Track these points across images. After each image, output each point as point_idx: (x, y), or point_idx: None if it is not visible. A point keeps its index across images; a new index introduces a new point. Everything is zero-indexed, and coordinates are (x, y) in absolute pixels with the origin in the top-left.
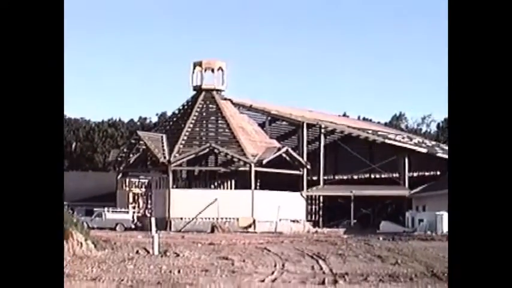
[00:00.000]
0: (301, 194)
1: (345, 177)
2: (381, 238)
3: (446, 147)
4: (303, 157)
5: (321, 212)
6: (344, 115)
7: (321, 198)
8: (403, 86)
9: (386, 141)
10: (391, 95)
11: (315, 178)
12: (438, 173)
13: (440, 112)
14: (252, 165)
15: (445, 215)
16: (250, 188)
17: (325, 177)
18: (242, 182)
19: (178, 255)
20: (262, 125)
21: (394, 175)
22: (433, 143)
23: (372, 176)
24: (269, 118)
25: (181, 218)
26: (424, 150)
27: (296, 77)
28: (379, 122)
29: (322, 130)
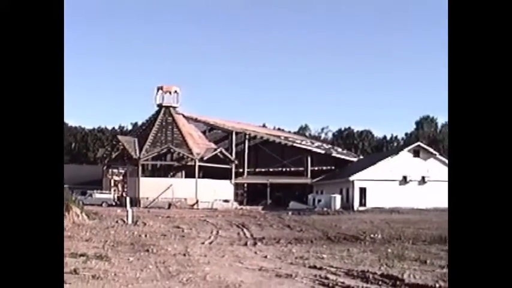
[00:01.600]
0: (231, 182)
1: (263, 170)
2: (289, 213)
3: (339, 149)
4: (232, 155)
5: (245, 195)
6: (263, 125)
7: (245, 185)
8: (308, 103)
9: (295, 144)
10: (298, 110)
11: (241, 170)
12: (333, 167)
13: (336, 124)
14: (196, 161)
15: (338, 197)
16: (195, 177)
17: (249, 170)
18: (189, 173)
19: (145, 224)
20: (204, 132)
21: (300, 169)
22: (329, 146)
23: (284, 169)
24: (209, 127)
25: (147, 198)
26: (323, 151)
27: (229, 95)
28: (289, 131)
29: (247, 136)
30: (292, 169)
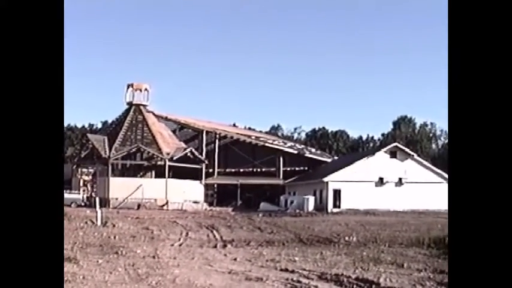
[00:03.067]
0: (201, 182)
1: (233, 170)
2: (260, 215)
3: (313, 150)
4: (202, 155)
5: (215, 196)
6: (234, 125)
7: (215, 185)
8: (280, 102)
9: (266, 144)
10: (270, 109)
11: (211, 170)
12: (306, 168)
13: (309, 124)
14: (166, 160)
15: (311, 198)
16: (164, 177)
17: (219, 170)
18: (159, 172)
19: (114, 225)
20: (174, 131)
21: (272, 169)
22: (303, 146)
23: (255, 170)
24: (179, 126)
25: (117, 199)
26: (295, 152)
27: (200, 93)
28: (261, 131)
29: (217, 136)
30: (264, 170)
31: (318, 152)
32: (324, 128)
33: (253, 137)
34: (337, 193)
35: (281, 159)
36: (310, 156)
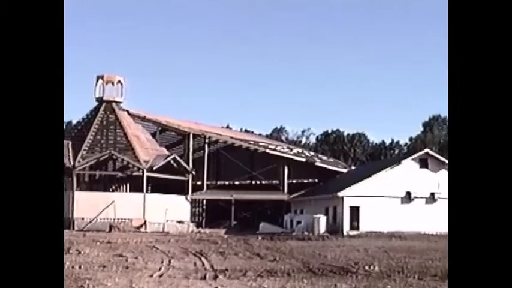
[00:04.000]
0: (187, 198)
1: (226, 183)
2: (259, 238)
3: (325, 157)
4: (188, 164)
5: (204, 214)
6: (227, 127)
7: (204, 201)
8: (284, 100)
9: (267, 151)
10: (272, 108)
11: (199, 183)
12: (316, 180)
13: (320, 126)
14: (145, 170)
15: (322, 218)
16: (142, 191)
17: (208, 183)
18: (136, 185)
19: (80, 252)
20: (153, 134)
21: (274, 181)
22: (312, 153)
23: (253, 182)
24: (159, 128)
25: (83, 218)
26: (303, 160)
27: (185, 89)
28: (260, 134)
29: (207, 140)
30: (264, 182)
31: (331, 160)
32: (338, 130)
33: (251, 142)
34: (354, 211)
35: (285, 169)
36: (322, 165)
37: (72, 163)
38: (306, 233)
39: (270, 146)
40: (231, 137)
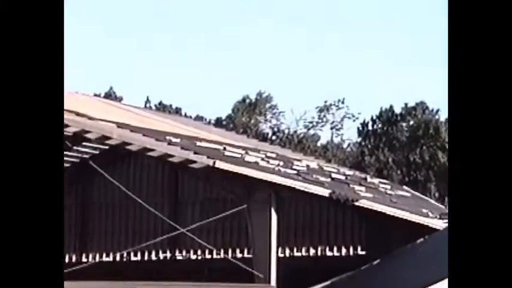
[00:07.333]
0: None
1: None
2: None
3: (387, 183)
4: None
5: None
6: (146, 106)
7: None
8: None
9: (227, 167)
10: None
11: None
12: (362, 249)
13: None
14: None
15: None
16: None
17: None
18: None
19: None
20: None
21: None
22: (350, 172)
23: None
24: None
25: None
26: (320, 193)
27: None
28: (210, 121)
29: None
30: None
31: (407, 191)
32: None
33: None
34: None
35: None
36: (371, 206)
37: None
38: None
39: (237, 152)
40: (135, 128)
